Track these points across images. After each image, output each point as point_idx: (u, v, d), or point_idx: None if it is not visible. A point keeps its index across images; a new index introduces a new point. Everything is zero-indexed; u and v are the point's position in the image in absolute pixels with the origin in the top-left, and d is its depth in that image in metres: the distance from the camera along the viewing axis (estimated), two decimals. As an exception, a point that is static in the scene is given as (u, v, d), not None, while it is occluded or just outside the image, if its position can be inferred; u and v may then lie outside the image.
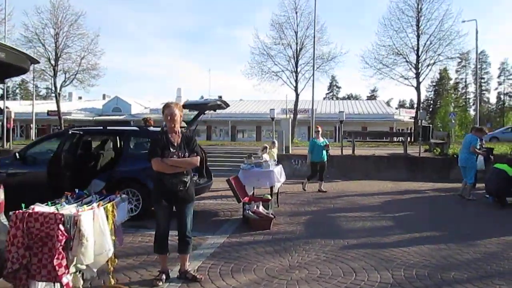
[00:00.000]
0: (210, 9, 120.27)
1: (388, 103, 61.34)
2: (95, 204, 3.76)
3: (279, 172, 8.69)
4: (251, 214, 6.88)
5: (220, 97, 59.17)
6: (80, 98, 60.84)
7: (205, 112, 8.71)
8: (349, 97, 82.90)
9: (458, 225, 7.35)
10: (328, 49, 30.62)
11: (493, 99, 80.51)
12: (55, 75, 30.88)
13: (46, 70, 31.19)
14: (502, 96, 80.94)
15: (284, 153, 16.26)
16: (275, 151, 11.94)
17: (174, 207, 4.35)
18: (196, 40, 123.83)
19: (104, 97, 60.35)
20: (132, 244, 5.85)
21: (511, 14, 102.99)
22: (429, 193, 11.10)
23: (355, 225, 7.25)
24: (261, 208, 7.04)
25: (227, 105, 8.38)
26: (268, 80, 31.27)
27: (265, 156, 11.20)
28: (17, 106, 42.45)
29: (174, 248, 4.65)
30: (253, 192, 8.74)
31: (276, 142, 12.71)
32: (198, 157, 4.22)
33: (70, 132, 7.41)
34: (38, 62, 4.29)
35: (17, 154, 7.53)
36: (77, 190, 4.31)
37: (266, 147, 11.60)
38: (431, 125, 18.58)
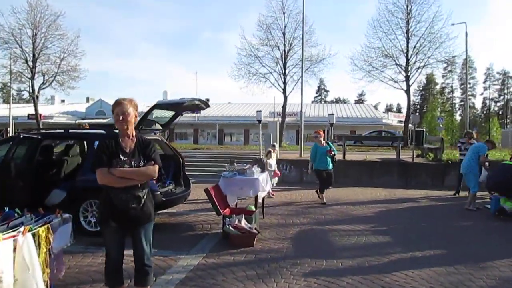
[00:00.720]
0: (196, 13, 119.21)
1: (375, 107, 60.97)
2: (22, 229, 2.89)
3: (264, 180, 7.85)
4: (231, 230, 6.02)
5: (208, 100, 58.65)
6: (63, 101, 59.32)
7: (183, 114, 7.85)
8: (338, 101, 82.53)
9: (463, 241, 6.58)
10: (317, 50, 30.04)
11: (478, 104, 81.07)
12: (32, 77, 29.62)
13: (23, 72, 29.95)
14: (487, 102, 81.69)
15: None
16: (274, 155, 11.11)
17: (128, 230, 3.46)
18: (183, 44, 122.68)
19: (88, 100, 59.02)
20: (89, 268, 4.94)
21: (496, 20, 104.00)
22: (425, 202, 10.35)
23: (349, 240, 6.43)
24: (243, 222, 6.19)
25: (207, 105, 7.52)
26: (256, 82, 30.46)
27: (271, 162, 10.41)
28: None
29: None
30: (236, 203, 7.89)
31: (277, 146, 11.80)
32: (156, 166, 3.34)
33: (21, 137, 6.49)
34: None
35: None
36: (6, 209, 3.42)
37: (270, 152, 10.81)
38: (424, 129, 17.85)
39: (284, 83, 29.28)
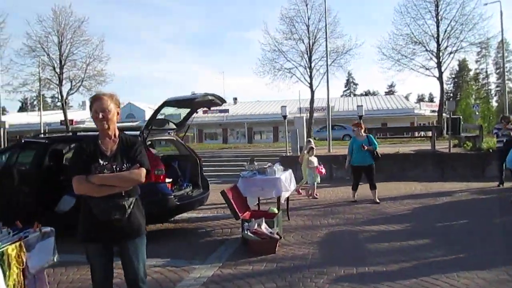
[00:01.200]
0: (220, 13, 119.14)
1: (407, 98, 59.02)
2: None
3: (287, 179, 7.27)
4: (250, 235, 5.48)
5: (235, 99, 58.50)
6: (92, 105, 60.40)
7: (197, 111, 7.38)
8: (367, 94, 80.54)
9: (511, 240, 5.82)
10: (342, 41, 28.93)
11: (517, 89, 77.05)
12: (60, 84, 30.06)
13: (52, 79, 30.44)
14: (526, 86, 77.76)
15: (298, 154, 14.82)
16: (311, 152, 10.15)
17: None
18: (210, 45, 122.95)
19: (117, 104, 59.92)
20: (81, 285, 4.49)
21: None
22: (465, 196, 9.50)
23: (382, 243, 5.77)
24: (263, 227, 5.63)
25: (223, 101, 6.99)
26: (281, 78, 29.78)
27: (312, 159, 9.81)
28: (27, 117, 42.05)
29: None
30: (258, 205, 7.37)
31: (312, 141, 10.89)
32: (142, 170, 2.81)
33: (22, 141, 6.18)
34: None
35: None
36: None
37: (313, 148, 10.00)
38: (460, 117, 16.71)
39: (311, 77, 28.52)
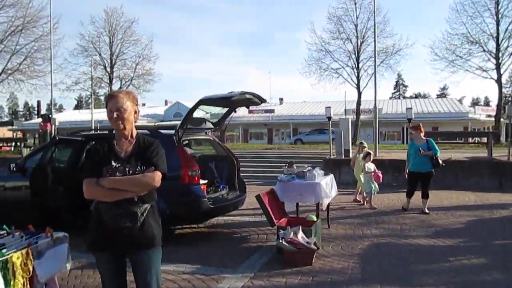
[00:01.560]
0: (268, 13, 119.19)
1: (460, 101, 56.16)
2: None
3: (328, 184, 6.84)
4: (285, 245, 5.12)
5: (281, 99, 58.09)
6: (143, 104, 62.14)
7: (236, 110, 7.10)
8: (417, 96, 77.55)
9: None
10: (392, 41, 27.86)
11: None
12: (111, 82, 31.04)
13: (103, 78, 31.49)
14: None
15: (343, 157, 14.27)
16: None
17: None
18: (256, 45, 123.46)
19: (166, 103, 61.32)
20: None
21: None
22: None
23: (431, 260, 5.22)
24: (300, 236, 5.25)
25: (262, 100, 6.66)
26: (328, 78, 29.17)
27: (369, 165, 8.94)
28: (80, 115, 43.77)
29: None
30: (297, 211, 6.99)
31: (366, 144, 9.90)
32: (157, 173, 2.52)
33: (57, 139, 6.13)
34: None
35: (12, 166, 6.39)
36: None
37: (370, 154, 9.13)
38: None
39: (358, 78, 27.73)
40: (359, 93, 28.17)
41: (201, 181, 6.23)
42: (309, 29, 36.94)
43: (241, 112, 51.68)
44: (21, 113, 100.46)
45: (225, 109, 7.05)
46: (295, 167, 6.97)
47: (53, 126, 19.51)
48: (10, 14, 25.53)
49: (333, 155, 14.86)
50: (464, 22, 26.24)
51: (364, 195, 9.08)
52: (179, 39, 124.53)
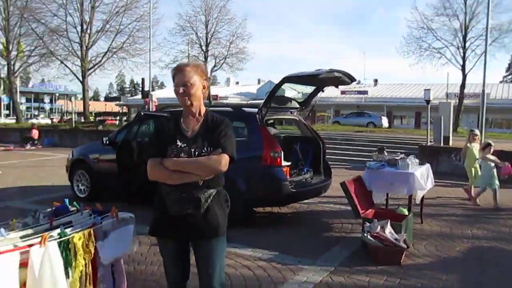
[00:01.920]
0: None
1: None
2: (49, 234, 2.15)
3: (424, 175, 6.13)
4: (370, 239, 4.63)
5: (376, 80, 55.41)
6: (237, 83, 63.53)
7: (324, 89, 6.62)
8: (535, 80, 69.07)
9: None
10: (508, 17, 24.69)
11: None
12: (206, 60, 31.86)
13: (198, 56, 32.45)
14: None
15: (442, 144, 13.06)
16: (476, 146, 8.21)
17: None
18: (354, 25, 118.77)
19: (259, 81, 62.02)
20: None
21: None
22: None
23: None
24: (388, 231, 4.72)
25: (352, 79, 6.09)
26: (428, 59, 26.82)
27: (490, 157, 7.77)
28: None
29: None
30: (387, 200, 6.41)
31: (477, 132, 8.62)
32: (224, 156, 2.24)
33: (142, 114, 6.17)
34: None
35: (104, 139, 6.66)
36: (67, 201, 2.80)
37: (490, 145, 7.88)
38: None
39: (463, 58, 25.08)
40: (464, 76, 25.54)
41: (284, 163, 5.92)
42: (411, 5, 34.09)
43: (333, 92, 50.34)
44: (127, 89, 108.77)
45: (312, 88, 6.61)
46: (386, 154, 6.35)
47: (150, 102, 20.64)
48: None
49: (430, 141, 13.64)
50: None
51: (479, 190, 7.88)
52: (275, 19, 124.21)
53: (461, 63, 25.22)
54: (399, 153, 6.51)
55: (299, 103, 6.80)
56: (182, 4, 35.01)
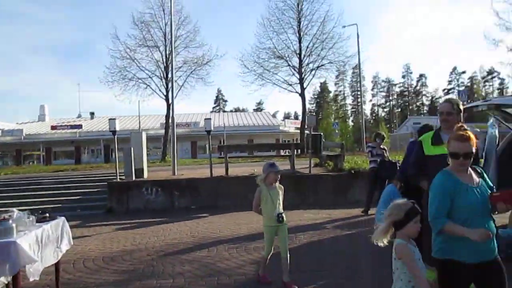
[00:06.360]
0: (90, 23, 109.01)
1: (274, 115, 59.67)
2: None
3: (49, 239, 4.14)
4: None
5: (92, 113, 51.93)
6: None
7: None
8: (237, 110, 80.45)
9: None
10: (202, 52, 26.33)
11: (367, 110, 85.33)
12: None
13: None
14: (376, 108, 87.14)
15: (134, 178, 11.72)
16: None
17: None
18: (73, 55, 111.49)
19: None
20: None
21: (378, 34, 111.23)
22: (329, 231, 7.47)
23: None
24: None
25: None
26: (134, 89, 25.84)
27: None
28: None
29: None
30: None
31: None
32: None
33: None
34: None
35: None
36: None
37: None
38: (321, 133, 15.26)
39: (166, 89, 25.31)
40: (168, 105, 25.54)
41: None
42: (111, 34, 32.95)
43: (42, 128, 44.60)
44: None
45: None
46: None
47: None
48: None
49: (120, 177, 12.05)
50: (271, 37, 26.71)
51: None
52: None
53: (165, 93, 25.40)
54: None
55: None
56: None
